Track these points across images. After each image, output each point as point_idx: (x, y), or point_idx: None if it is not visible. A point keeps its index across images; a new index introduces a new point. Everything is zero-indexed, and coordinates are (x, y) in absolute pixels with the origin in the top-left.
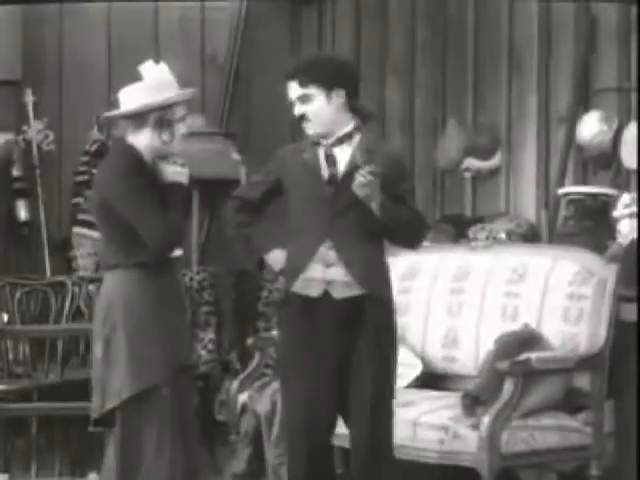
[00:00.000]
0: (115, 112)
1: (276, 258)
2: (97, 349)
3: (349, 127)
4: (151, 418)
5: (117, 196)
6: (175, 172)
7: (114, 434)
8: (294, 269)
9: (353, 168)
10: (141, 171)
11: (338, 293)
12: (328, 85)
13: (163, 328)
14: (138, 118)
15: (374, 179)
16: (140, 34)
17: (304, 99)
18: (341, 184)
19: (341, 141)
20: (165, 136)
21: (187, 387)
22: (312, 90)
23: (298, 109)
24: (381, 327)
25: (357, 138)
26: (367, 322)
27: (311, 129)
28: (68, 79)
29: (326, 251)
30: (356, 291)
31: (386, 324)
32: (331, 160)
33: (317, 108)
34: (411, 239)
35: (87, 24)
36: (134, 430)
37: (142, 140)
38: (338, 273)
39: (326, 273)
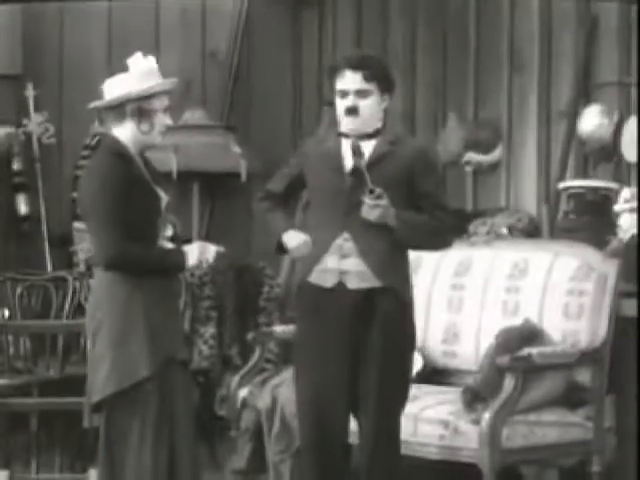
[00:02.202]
0: (95, 103)
1: (291, 238)
2: (89, 344)
3: (378, 125)
4: (134, 413)
5: (88, 199)
6: (194, 259)
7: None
8: (310, 260)
9: (377, 159)
10: (122, 171)
11: (352, 284)
12: (384, 87)
13: (149, 324)
14: (118, 109)
15: (383, 202)
16: (141, 28)
17: (362, 93)
18: (363, 176)
19: (368, 137)
20: (144, 126)
21: (179, 382)
22: (372, 87)
23: (352, 101)
24: (394, 320)
25: (380, 135)
26: (380, 314)
27: (355, 124)
28: (69, 73)
29: (342, 242)
30: (371, 283)
31: (399, 317)
32: (358, 151)
33: (370, 105)
34: (434, 246)
35: (88, 18)
36: (117, 425)
37: (126, 131)
38: (354, 264)
39: (341, 264)
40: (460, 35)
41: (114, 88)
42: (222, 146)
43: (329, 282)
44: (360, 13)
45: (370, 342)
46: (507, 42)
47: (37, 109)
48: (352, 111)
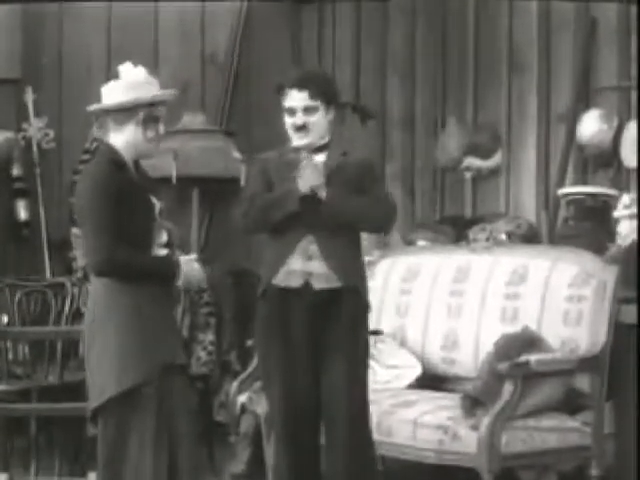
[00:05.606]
0: (104, 105)
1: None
2: (84, 350)
3: (326, 139)
4: (133, 417)
5: (82, 205)
6: (190, 267)
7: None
8: (275, 262)
9: (332, 171)
10: (116, 178)
11: (318, 284)
12: (328, 101)
13: (145, 329)
14: (124, 113)
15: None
16: (140, 33)
17: (310, 110)
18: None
19: (318, 150)
20: (150, 133)
21: (178, 386)
22: (317, 103)
23: (301, 118)
24: (355, 318)
25: (330, 147)
26: (343, 313)
27: (306, 139)
28: (68, 77)
29: (307, 245)
30: (334, 283)
31: (360, 315)
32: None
33: (318, 120)
34: (377, 222)
35: (87, 23)
36: (116, 429)
37: (125, 137)
38: (318, 266)
39: (307, 265)
40: (459, 38)
41: (118, 92)
42: (222, 151)
43: (296, 282)
44: (360, 15)
45: (334, 338)
46: (506, 45)
47: (37, 114)
48: (301, 128)
